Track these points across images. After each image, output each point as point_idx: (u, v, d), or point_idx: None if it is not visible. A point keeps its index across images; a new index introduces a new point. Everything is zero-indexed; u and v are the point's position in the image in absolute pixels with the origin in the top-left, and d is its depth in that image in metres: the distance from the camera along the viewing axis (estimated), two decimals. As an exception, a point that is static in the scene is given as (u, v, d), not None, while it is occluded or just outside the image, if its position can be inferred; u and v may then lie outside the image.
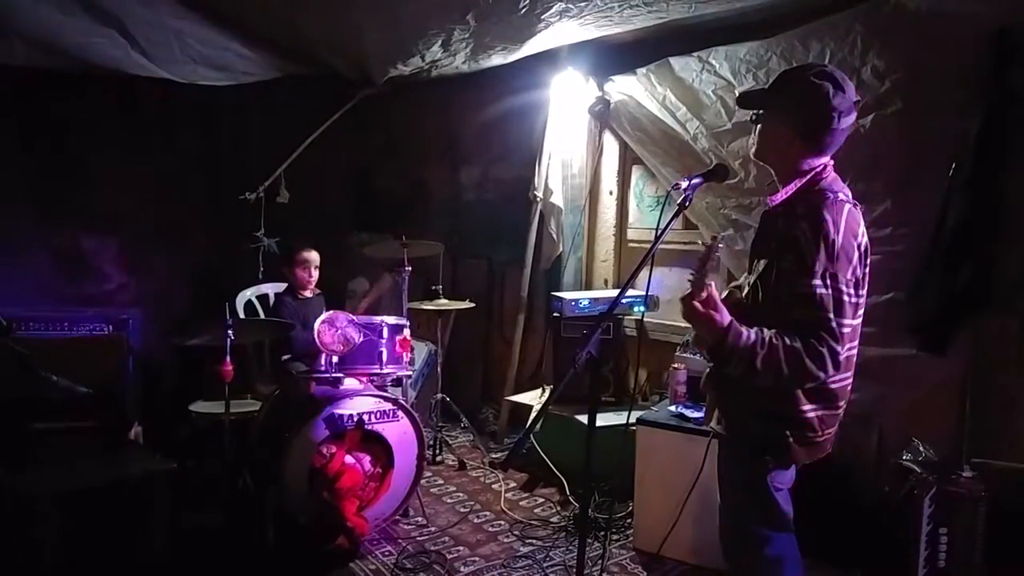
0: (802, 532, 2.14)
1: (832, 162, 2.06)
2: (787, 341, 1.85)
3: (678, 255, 4.29)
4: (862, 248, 1.96)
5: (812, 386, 1.93)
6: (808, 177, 2.02)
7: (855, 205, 1.99)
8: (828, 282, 1.86)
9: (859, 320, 2.00)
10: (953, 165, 2.93)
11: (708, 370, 2.18)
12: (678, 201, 2.13)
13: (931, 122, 3.03)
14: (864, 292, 1.99)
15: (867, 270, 1.99)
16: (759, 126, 2.09)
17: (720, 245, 2.01)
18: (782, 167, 2.08)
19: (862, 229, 1.98)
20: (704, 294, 1.91)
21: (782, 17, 3.49)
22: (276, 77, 4.64)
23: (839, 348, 1.85)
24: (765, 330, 1.88)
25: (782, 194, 2.05)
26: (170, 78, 4.16)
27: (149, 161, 5.03)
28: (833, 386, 1.98)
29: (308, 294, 4.19)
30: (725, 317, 1.90)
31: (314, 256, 4.15)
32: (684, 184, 2.11)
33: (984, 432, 2.98)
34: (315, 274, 4.16)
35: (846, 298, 1.88)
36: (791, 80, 2.05)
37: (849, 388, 2.06)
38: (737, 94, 2.28)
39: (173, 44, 3.83)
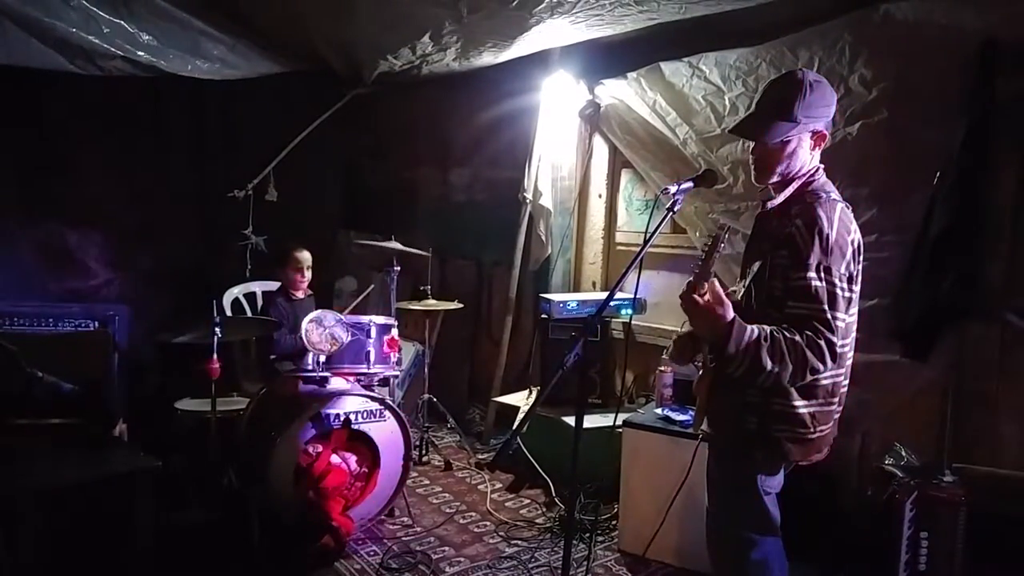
0: (785, 535, 2.16)
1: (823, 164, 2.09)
2: (788, 335, 1.86)
3: (666, 259, 4.31)
4: (855, 244, 1.98)
5: (803, 382, 1.93)
6: (804, 179, 2.04)
7: (846, 205, 2.02)
8: (822, 275, 1.88)
9: (853, 317, 2.02)
10: (938, 174, 2.97)
11: (700, 373, 2.20)
12: (667, 205, 2.14)
13: (917, 131, 3.07)
14: (858, 288, 2.01)
15: (860, 267, 2.01)
16: (788, 146, 1.99)
17: (726, 235, 1.91)
18: (788, 175, 2.04)
19: (855, 227, 2.00)
20: (706, 288, 1.87)
21: (772, 24, 3.52)
22: (264, 74, 4.60)
23: (836, 340, 1.87)
24: (766, 326, 1.89)
25: (781, 198, 2.06)
26: (153, 64, 4.00)
27: (136, 157, 4.99)
28: (825, 381, 1.99)
29: (300, 295, 4.20)
30: (729, 312, 1.88)
31: (307, 256, 4.16)
32: (673, 189, 2.13)
33: (965, 437, 3.02)
34: (308, 274, 4.18)
35: (839, 291, 1.89)
36: (809, 88, 1.98)
37: (843, 385, 2.07)
38: (738, 120, 2.18)
39: (123, 16, 3.63)
